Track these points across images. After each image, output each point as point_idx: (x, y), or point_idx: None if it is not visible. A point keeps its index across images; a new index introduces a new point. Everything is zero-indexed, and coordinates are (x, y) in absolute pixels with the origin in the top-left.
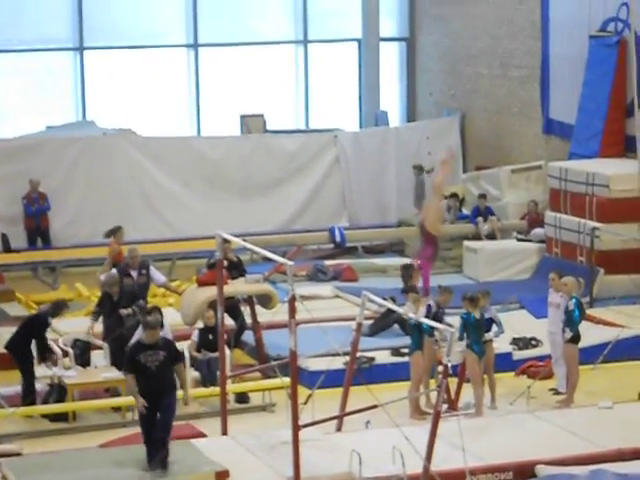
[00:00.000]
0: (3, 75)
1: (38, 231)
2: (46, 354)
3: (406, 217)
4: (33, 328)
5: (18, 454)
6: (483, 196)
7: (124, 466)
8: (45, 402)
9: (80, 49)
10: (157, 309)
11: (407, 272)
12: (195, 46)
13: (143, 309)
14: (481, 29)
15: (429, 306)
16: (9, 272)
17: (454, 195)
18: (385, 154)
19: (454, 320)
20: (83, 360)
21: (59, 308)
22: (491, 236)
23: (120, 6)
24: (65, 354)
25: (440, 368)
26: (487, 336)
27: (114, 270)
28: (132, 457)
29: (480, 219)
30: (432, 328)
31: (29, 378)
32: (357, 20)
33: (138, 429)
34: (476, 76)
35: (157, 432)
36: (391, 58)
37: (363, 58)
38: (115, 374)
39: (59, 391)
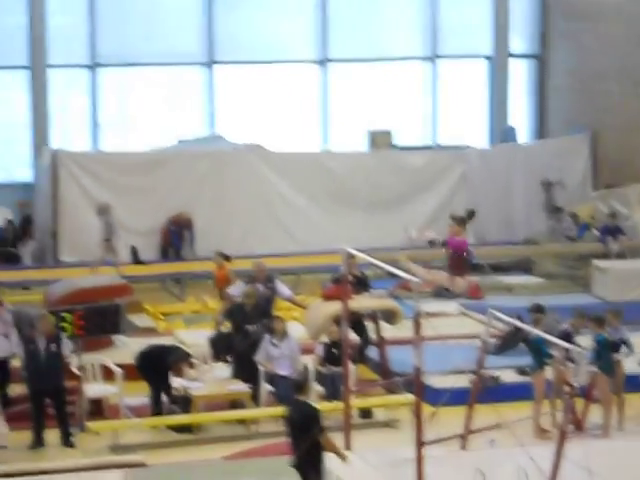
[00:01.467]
0: (135, 89)
1: (173, 249)
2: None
3: (533, 235)
4: (164, 359)
5: (142, 465)
6: (613, 215)
7: (248, 478)
8: (170, 413)
9: (210, 64)
10: (279, 318)
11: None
12: (324, 62)
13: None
14: (612, 46)
15: (565, 329)
16: (138, 284)
17: (574, 215)
18: (513, 171)
19: (584, 340)
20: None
21: (180, 359)
22: (621, 255)
23: (251, 21)
24: (192, 365)
25: (567, 389)
26: (617, 357)
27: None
28: (256, 469)
29: (610, 238)
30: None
31: (157, 390)
32: (487, 36)
33: (263, 442)
34: (607, 93)
35: None
36: (520, 75)
37: (492, 75)
38: (240, 387)
39: (184, 402)
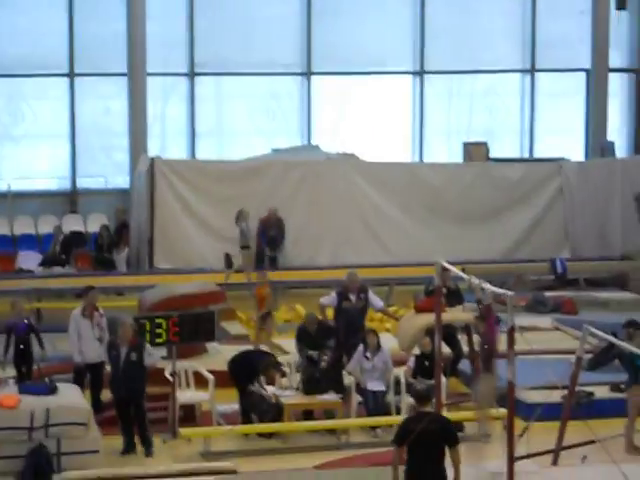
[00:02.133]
0: (233, 98)
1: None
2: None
3: (631, 250)
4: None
5: (233, 472)
6: None
7: None
8: (262, 421)
9: (308, 74)
10: (374, 331)
11: None
12: (421, 73)
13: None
14: None
15: None
16: (231, 291)
17: None
18: (610, 185)
19: None
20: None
21: (267, 367)
22: None
23: (348, 32)
24: (283, 374)
25: None
26: None
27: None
28: (347, 479)
29: None
30: None
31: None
32: (586, 50)
33: (352, 452)
34: None
35: None
36: (619, 88)
37: (591, 88)
38: (332, 397)
39: (276, 410)
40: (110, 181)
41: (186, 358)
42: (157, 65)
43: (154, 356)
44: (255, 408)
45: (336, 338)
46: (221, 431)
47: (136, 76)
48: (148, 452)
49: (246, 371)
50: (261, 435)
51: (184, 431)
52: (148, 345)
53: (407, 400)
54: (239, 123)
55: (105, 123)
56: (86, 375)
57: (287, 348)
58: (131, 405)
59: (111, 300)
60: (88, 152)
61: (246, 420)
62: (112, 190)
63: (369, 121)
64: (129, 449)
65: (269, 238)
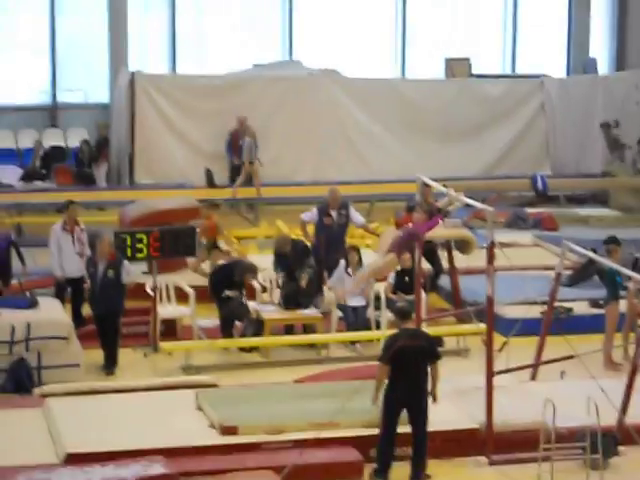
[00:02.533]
0: (213, 13)
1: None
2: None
3: (611, 167)
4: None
5: (214, 385)
6: None
7: (319, 401)
8: (242, 335)
9: None
10: (355, 248)
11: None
12: None
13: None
14: None
15: (636, 259)
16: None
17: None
18: (592, 103)
19: None
20: None
21: (249, 270)
22: None
23: None
24: (264, 289)
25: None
26: None
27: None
28: (327, 393)
29: None
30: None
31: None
32: None
33: (332, 367)
34: None
35: (416, 445)
36: (602, 5)
37: (573, 4)
38: (313, 312)
39: (256, 325)
40: (90, 95)
41: (167, 273)
42: None
43: (132, 273)
44: (234, 313)
45: (317, 254)
46: (202, 345)
47: None
48: (110, 371)
49: (225, 281)
50: (242, 349)
51: (165, 345)
52: (126, 262)
53: (387, 315)
54: (220, 37)
55: (85, 38)
56: (67, 289)
57: (267, 265)
58: (105, 321)
59: (92, 215)
60: (69, 66)
61: (226, 329)
62: (92, 104)
63: (351, 36)
64: (108, 364)
65: (239, 148)
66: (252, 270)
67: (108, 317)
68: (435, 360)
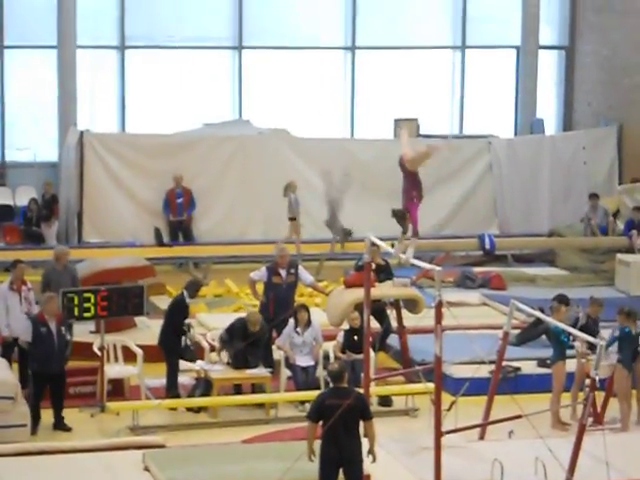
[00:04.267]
0: (163, 72)
1: (180, 227)
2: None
3: (558, 227)
4: (175, 311)
5: (161, 446)
6: (638, 209)
7: (267, 462)
8: (190, 395)
9: (239, 48)
10: (305, 307)
11: (400, 218)
12: (352, 49)
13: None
14: None
15: (577, 318)
16: (161, 266)
17: (594, 195)
18: (539, 162)
19: (604, 333)
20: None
21: (195, 286)
22: None
23: (280, 7)
24: (212, 349)
25: (588, 381)
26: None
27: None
28: (275, 454)
29: (634, 232)
30: (572, 340)
31: (175, 371)
32: (516, 27)
33: (281, 427)
34: (634, 87)
35: None
36: (549, 66)
37: (521, 65)
38: (261, 371)
39: (205, 385)
40: (39, 154)
41: (115, 332)
42: (88, 38)
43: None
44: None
45: (266, 313)
46: (149, 405)
47: (66, 49)
48: (65, 425)
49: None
50: (190, 409)
51: (112, 405)
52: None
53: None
54: (170, 97)
55: (34, 96)
56: (14, 349)
57: (216, 324)
58: (54, 380)
59: (40, 274)
60: (17, 125)
61: (172, 389)
62: (41, 163)
63: (301, 97)
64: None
65: (176, 206)
66: (200, 285)
67: (62, 376)
68: (368, 418)
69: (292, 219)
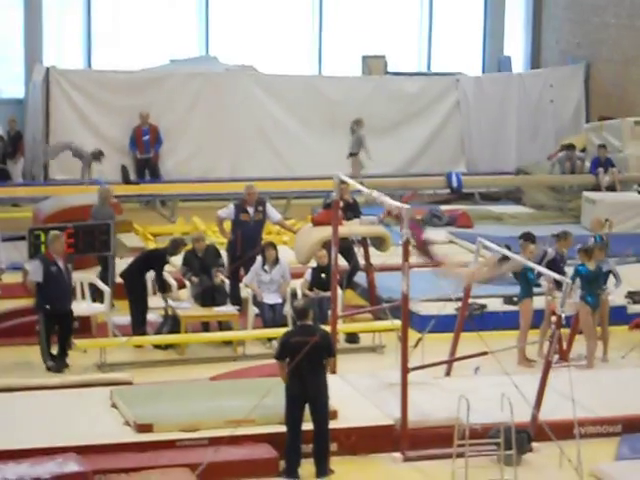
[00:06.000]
0: (130, 7)
1: (147, 164)
2: (165, 287)
3: (525, 165)
4: (149, 262)
5: (129, 383)
6: (603, 147)
7: (235, 399)
8: (158, 333)
9: None
10: (272, 245)
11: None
12: None
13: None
14: None
15: (545, 252)
16: (127, 203)
17: (570, 146)
18: (507, 100)
19: (567, 271)
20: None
21: (177, 246)
22: (611, 188)
23: None
24: (180, 286)
25: (553, 318)
26: (604, 288)
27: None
28: (242, 390)
29: (600, 170)
30: (538, 277)
31: (141, 309)
32: None
33: (248, 364)
34: (603, 25)
35: (317, 440)
36: (517, 4)
37: (489, 2)
38: (229, 309)
39: (172, 322)
40: (5, 91)
41: (81, 270)
42: None
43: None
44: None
45: (233, 250)
46: (117, 342)
47: None
48: (65, 363)
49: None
50: (157, 347)
51: (80, 342)
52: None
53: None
54: (136, 33)
55: (0, 33)
56: None
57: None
58: (63, 317)
59: (6, 211)
60: None
61: (139, 327)
62: (7, 100)
63: (268, 33)
64: (59, 361)
65: (143, 144)
66: (182, 244)
67: (70, 312)
68: (331, 355)
69: (354, 154)
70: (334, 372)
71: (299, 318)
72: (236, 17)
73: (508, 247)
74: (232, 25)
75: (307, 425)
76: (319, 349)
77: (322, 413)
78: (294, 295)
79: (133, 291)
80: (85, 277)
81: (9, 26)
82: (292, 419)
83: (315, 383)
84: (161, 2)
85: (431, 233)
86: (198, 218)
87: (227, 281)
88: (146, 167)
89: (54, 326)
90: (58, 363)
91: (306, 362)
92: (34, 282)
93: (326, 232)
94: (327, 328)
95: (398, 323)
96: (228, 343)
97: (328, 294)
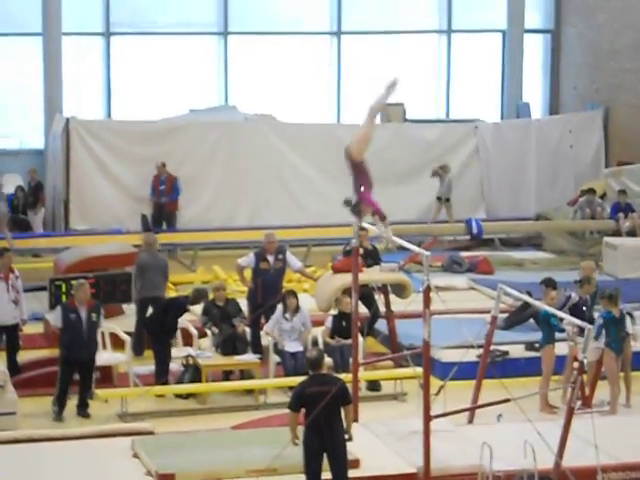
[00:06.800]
0: (148, 58)
1: (162, 214)
2: (173, 336)
3: (545, 210)
4: (169, 310)
5: (150, 433)
6: (623, 192)
7: (256, 448)
8: (179, 382)
9: (225, 34)
10: (293, 293)
11: (355, 209)
12: (338, 33)
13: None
14: (626, 23)
15: (568, 297)
16: None
17: (591, 190)
18: (526, 146)
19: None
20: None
21: (200, 297)
22: (631, 233)
23: None
24: (201, 335)
25: (576, 364)
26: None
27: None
28: (264, 439)
29: (621, 215)
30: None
31: (164, 358)
32: (502, 11)
33: (270, 412)
34: (621, 70)
35: None
36: (535, 50)
37: (507, 49)
38: (250, 357)
39: (194, 372)
40: (25, 141)
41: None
42: (73, 25)
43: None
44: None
45: (254, 299)
46: (138, 392)
47: (51, 36)
48: (86, 413)
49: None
50: (178, 396)
51: (101, 392)
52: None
53: (325, 360)
54: (156, 84)
55: (20, 83)
56: (2, 337)
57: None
58: (83, 366)
59: (27, 262)
60: (3, 112)
61: (161, 377)
62: (27, 150)
63: (287, 82)
64: (61, 412)
65: (159, 193)
66: (205, 295)
67: (90, 362)
68: (347, 404)
69: (447, 200)
70: (356, 420)
71: (312, 368)
72: (255, 66)
73: (529, 293)
74: (251, 74)
75: (327, 474)
76: (335, 398)
77: (341, 463)
78: (315, 343)
79: (155, 340)
80: (106, 326)
81: (29, 77)
82: (312, 472)
83: (332, 433)
84: (180, 52)
85: (451, 279)
86: (218, 267)
87: (248, 330)
88: (161, 216)
89: (72, 373)
90: (78, 412)
91: (322, 413)
92: (57, 327)
93: (346, 279)
94: (349, 376)
95: (420, 370)
96: (249, 392)
97: (349, 342)
